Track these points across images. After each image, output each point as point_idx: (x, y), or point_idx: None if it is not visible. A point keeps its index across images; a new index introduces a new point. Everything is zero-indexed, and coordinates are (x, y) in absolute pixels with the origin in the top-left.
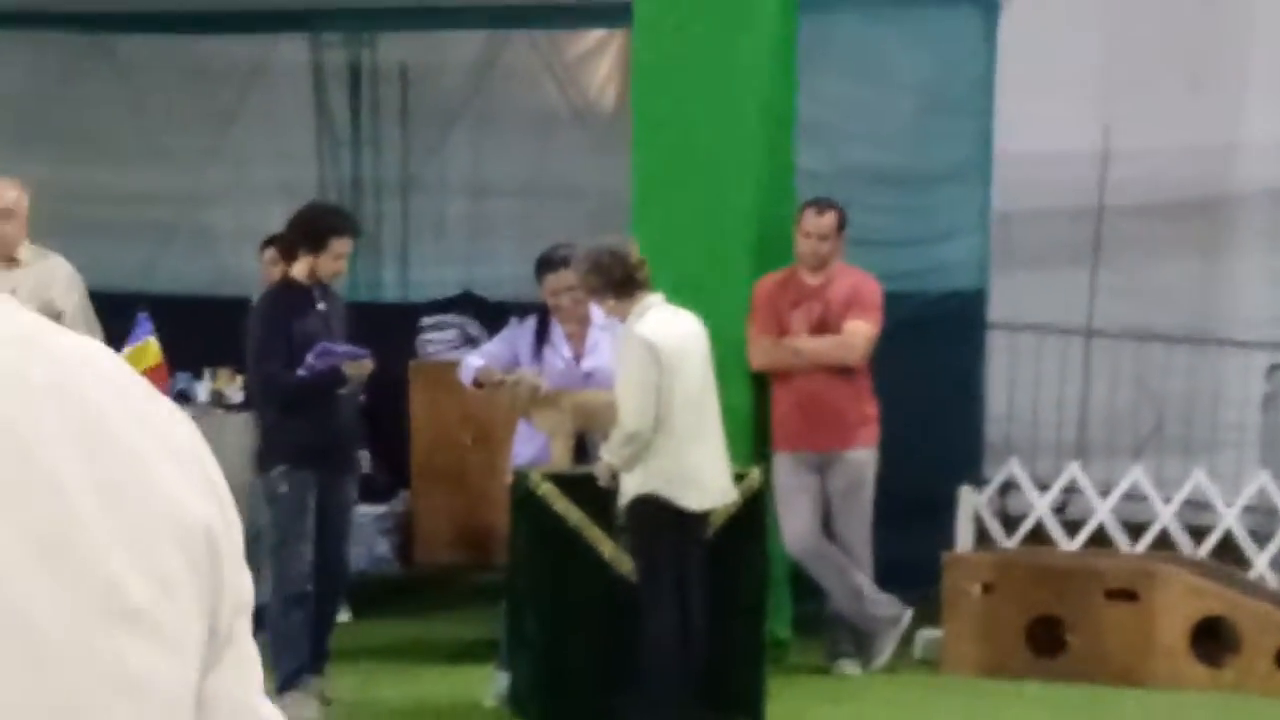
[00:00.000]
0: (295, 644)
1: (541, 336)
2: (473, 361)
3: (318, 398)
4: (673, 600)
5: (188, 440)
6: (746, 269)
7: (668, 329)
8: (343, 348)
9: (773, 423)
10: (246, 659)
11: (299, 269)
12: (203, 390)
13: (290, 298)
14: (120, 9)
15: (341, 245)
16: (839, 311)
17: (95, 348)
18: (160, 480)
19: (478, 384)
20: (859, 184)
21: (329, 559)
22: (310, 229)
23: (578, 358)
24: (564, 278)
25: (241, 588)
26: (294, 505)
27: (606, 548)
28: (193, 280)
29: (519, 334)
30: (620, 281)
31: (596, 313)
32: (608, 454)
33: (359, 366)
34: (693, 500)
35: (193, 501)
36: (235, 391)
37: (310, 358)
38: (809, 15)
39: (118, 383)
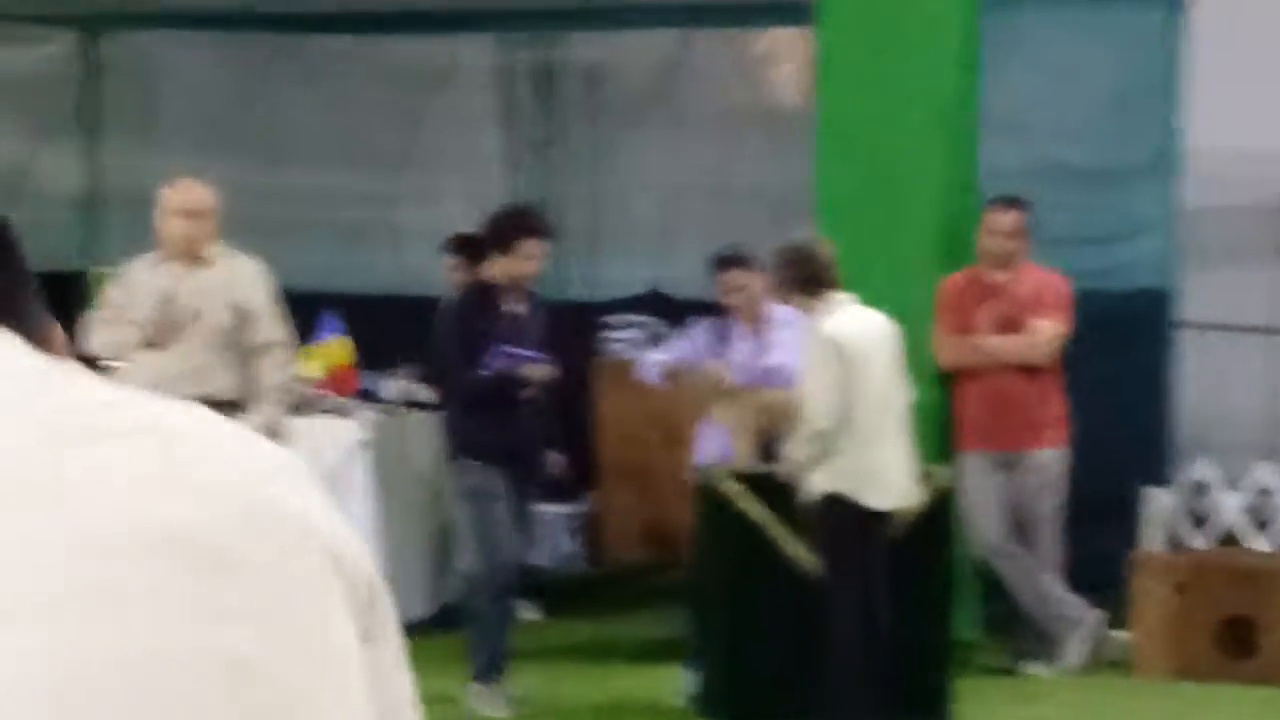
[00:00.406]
0: (495, 636)
1: (723, 334)
2: (655, 357)
3: (496, 399)
4: (858, 599)
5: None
6: (932, 267)
7: (854, 327)
8: (522, 352)
9: (960, 422)
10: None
11: (492, 270)
12: (391, 389)
13: (481, 299)
14: (308, 9)
15: (530, 247)
16: (1025, 310)
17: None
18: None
19: (665, 378)
20: (1045, 181)
21: (505, 555)
22: (499, 231)
23: (759, 354)
24: (735, 277)
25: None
26: (486, 497)
27: (791, 546)
28: (381, 280)
29: (700, 333)
30: (808, 279)
31: (780, 310)
32: (793, 450)
33: (536, 371)
34: (877, 500)
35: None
36: (422, 390)
37: (490, 358)
38: (996, 13)
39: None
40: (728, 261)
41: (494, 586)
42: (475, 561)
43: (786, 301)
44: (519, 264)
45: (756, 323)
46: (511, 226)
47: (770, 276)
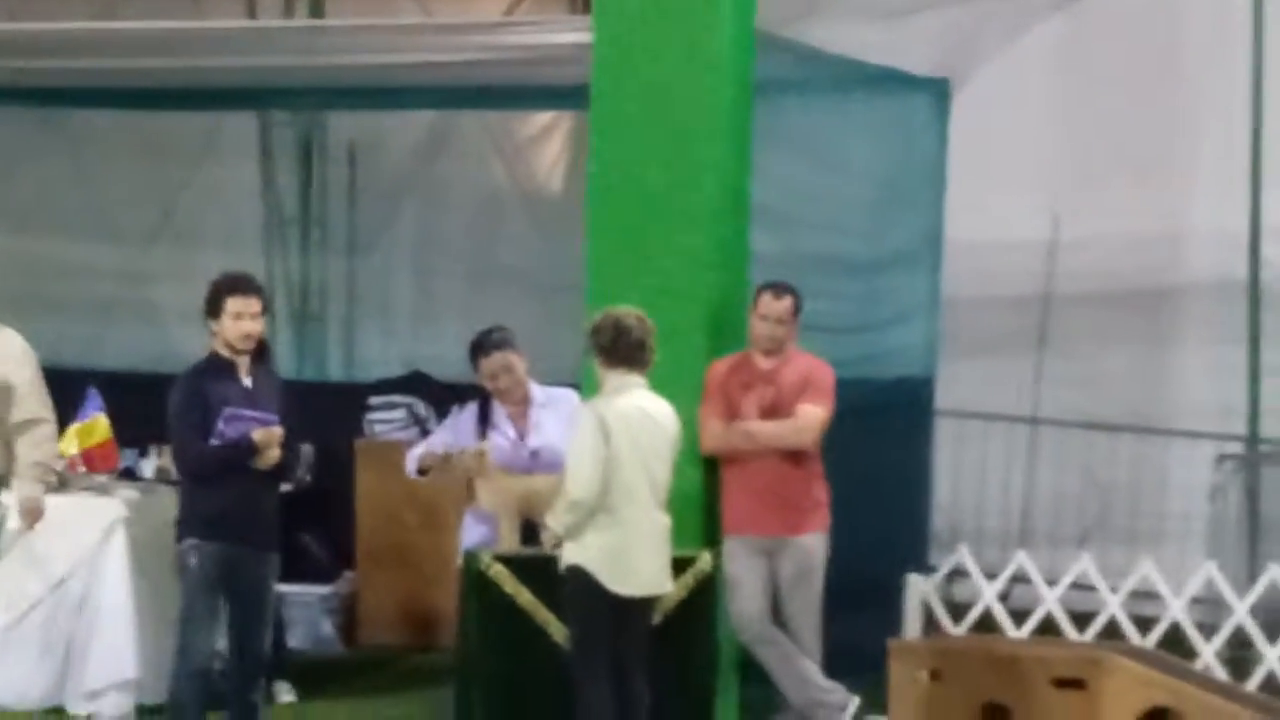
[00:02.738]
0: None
1: (484, 419)
2: (416, 452)
3: (229, 468)
4: (604, 674)
5: None
6: (699, 352)
7: (627, 408)
8: (251, 413)
9: (723, 506)
10: None
11: (216, 342)
12: (148, 467)
13: (209, 370)
14: (72, 84)
15: (236, 304)
16: (791, 396)
17: None
18: None
19: (422, 471)
20: (811, 268)
21: (244, 640)
22: (208, 298)
23: (522, 436)
24: (498, 360)
25: None
26: (199, 581)
27: (557, 629)
28: (138, 356)
29: (462, 420)
30: (612, 350)
31: (537, 391)
32: (552, 520)
33: (268, 434)
34: (620, 585)
35: None
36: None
37: (220, 424)
38: (762, 98)
39: None
40: (490, 344)
41: (185, 670)
42: (178, 641)
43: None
44: (231, 324)
45: (518, 404)
46: (215, 290)
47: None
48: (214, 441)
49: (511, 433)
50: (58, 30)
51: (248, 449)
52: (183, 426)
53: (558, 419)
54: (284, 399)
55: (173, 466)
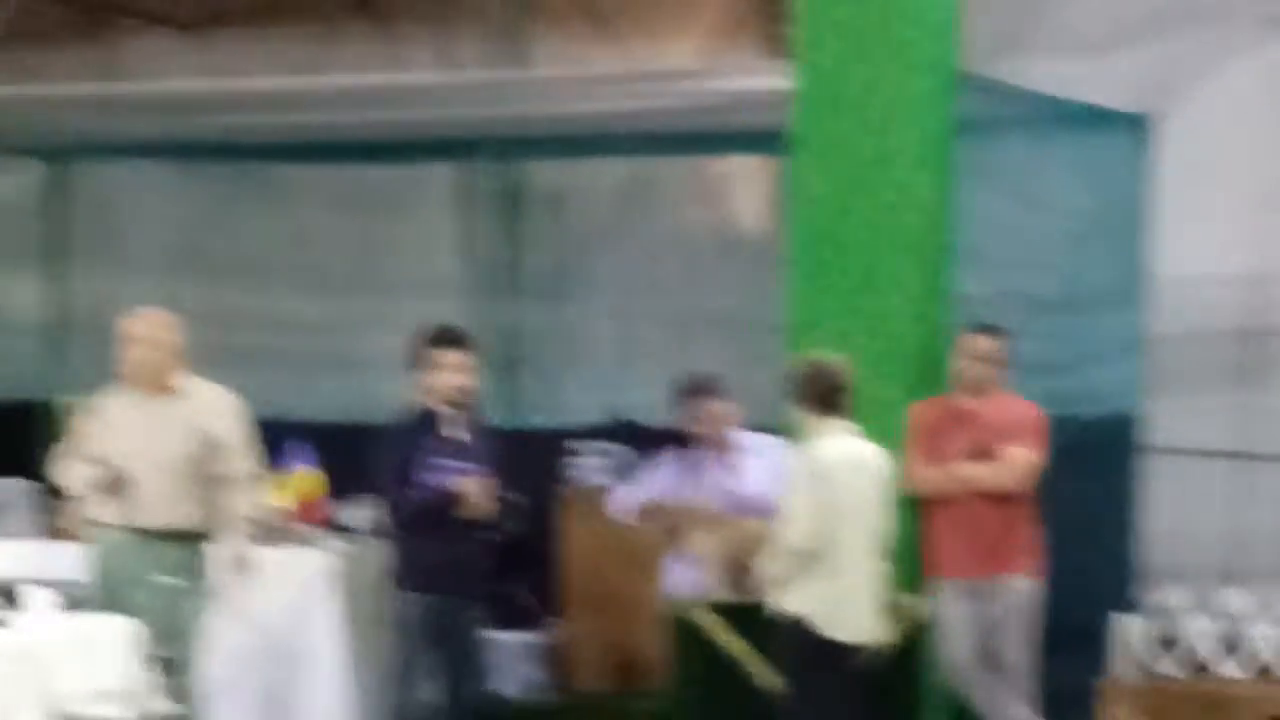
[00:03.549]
0: None
1: (692, 464)
2: (627, 493)
3: (433, 518)
4: None
5: None
6: (904, 394)
7: (843, 453)
8: (452, 463)
9: (932, 549)
10: None
11: (421, 394)
12: (356, 518)
13: (416, 421)
14: (270, 140)
15: (444, 357)
16: (999, 437)
17: None
18: None
19: (641, 516)
20: (1013, 308)
21: (455, 689)
22: (415, 351)
23: (728, 483)
24: (705, 404)
25: None
26: (413, 632)
27: (765, 678)
28: (343, 408)
29: (668, 463)
30: (818, 397)
31: (744, 437)
32: (767, 568)
33: (470, 482)
34: (842, 632)
35: None
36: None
37: (423, 474)
38: (965, 139)
39: None
40: (698, 389)
41: None
42: (394, 695)
43: (799, 414)
44: (439, 376)
45: (725, 451)
46: (422, 343)
47: (791, 386)
48: (419, 494)
49: (717, 479)
50: (256, 87)
51: (451, 498)
52: (389, 476)
53: (765, 466)
54: (495, 450)
55: (384, 518)
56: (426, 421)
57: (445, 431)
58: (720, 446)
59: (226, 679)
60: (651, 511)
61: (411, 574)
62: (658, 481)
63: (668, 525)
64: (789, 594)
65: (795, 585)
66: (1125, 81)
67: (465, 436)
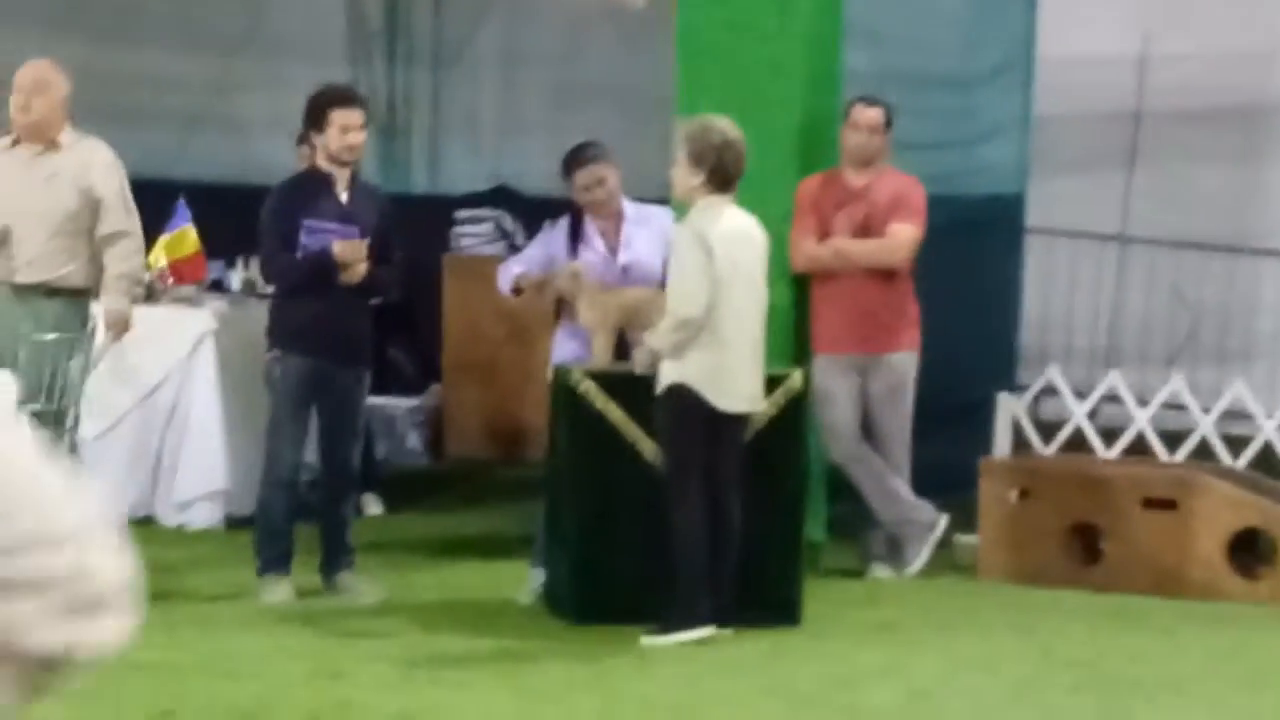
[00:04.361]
0: (275, 532)
1: (576, 235)
2: (511, 269)
3: (311, 280)
4: (699, 492)
5: None
6: (791, 170)
7: (728, 227)
8: (332, 225)
9: (814, 325)
10: None
11: (317, 156)
12: (236, 279)
13: (305, 183)
14: None
15: (343, 117)
16: (883, 214)
17: None
18: None
19: (516, 290)
20: (901, 86)
21: (333, 454)
22: (311, 109)
23: (613, 251)
24: (593, 172)
25: None
26: (285, 392)
27: (646, 446)
28: (224, 168)
29: (553, 236)
30: (721, 171)
31: (629, 207)
32: (655, 339)
33: (349, 246)
34: (725, 402)
35: None
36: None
37: (302, 237)
38: None
39: None
40: (586, 157)
41: (270, 480)
42: (264, 452)
43: (685, 180)
44: (337, 136)
45: (611, 220)
46: (322, 101)
47: (684, 154)
48: (298, 255)
49: (602, 248)
50: None
51: (330, 262)
52: (270, 238)
53: (650, 235)
54: (383, 215)
55: (261, 279)
56: (313, 182)
57: (333, 193)
58: (605, 215)
59: (103, 436)
60: (536, 284)
61: (287, 335)
62: (543, 252)
63: (552, 296)
64: (673, 364)
65: (678, 357)
66: None
67: (351, 199)
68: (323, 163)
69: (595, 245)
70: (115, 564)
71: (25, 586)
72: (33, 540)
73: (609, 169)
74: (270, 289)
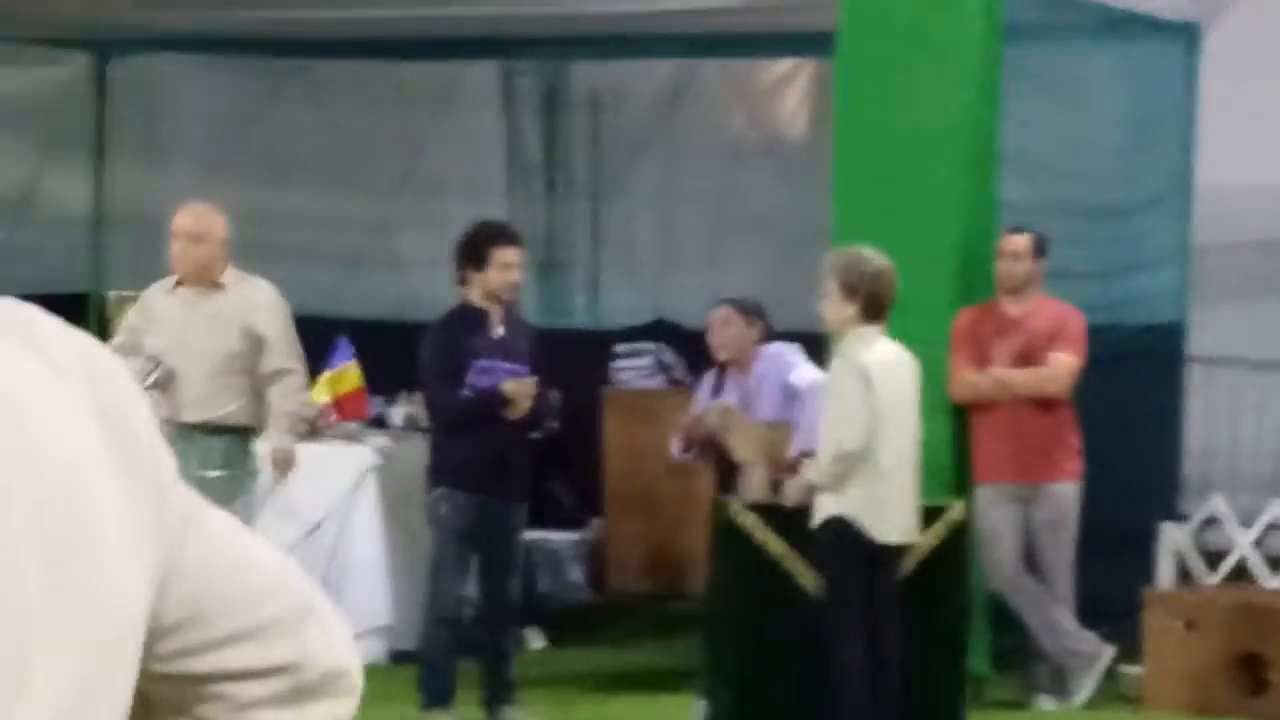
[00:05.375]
0: (439, 667)
1: (719, 388)
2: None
3: (480, 418)
4: (859, 627)
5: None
6: (949, 300)
7: (883, 358)
8: (504, 365)
9: (975, 455)
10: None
11: (473, 291)
12: (398, 414)
13: (463, 320)
14: (314, 34)
15: (504, 255)
16: (1042, 343)
17: None
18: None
19: (686, 448)
20: (1060, 215)
21: (493, 588)
22: (470, 246)
23: (745, 401)
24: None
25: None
26: (451, 528)
27: (807, 579)
28: (384, 305)
29: (700, 394)
30: (871, 302)
31: (760, 362)
32: (813, 472)
33: (521, 384)
34: (883, 533)
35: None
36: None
37: (471, 375)
38: (1012, 44)
39: None
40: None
41: (434, 617)
42: (428, 589)
43: (836, 311)
44: (497, 274)
45: (745, 374)
46: (481, 238)
47: (835, 285)
48: (465, 393)
49: (738, 398)
50: None
51: (499, 400)
52: (436, 376)
53: (776, 371)
54: (536, 348)
55: (423, 415)
56: (473, 319)
57: (488, 329)
58: (742, 369)
59: None
60: (690, 425)
61: (452, 472)
62: (700, 403)
63: (708, 440)
64: (831, 497)
65: (837, 490)
66: None
67: (507, 334)
68: (478, 299)
69: (730, 393)
70: (335, 647)
71: (247, 675)
72: (247, 632)
73: (747, 326)
74: (432, 426)
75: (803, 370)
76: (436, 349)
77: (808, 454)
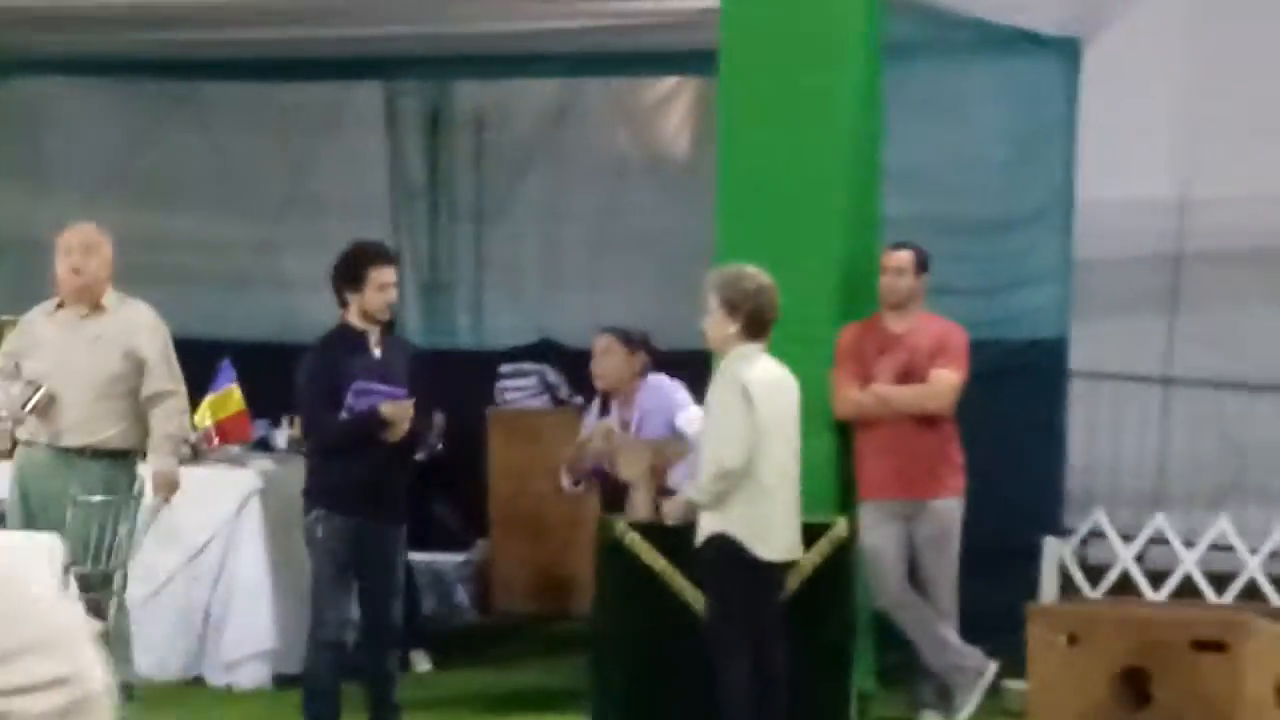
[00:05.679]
0: (323, 692)
1: (604, 410)
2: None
3: (357, 441)
4: (745, 645)
5: None
6: (831, 317)
7: (764, 377)
8: (381, 387)
9: (858, 472)
10: None
11: (351, 313)
12: (281, 437)
13: (341, 342)
14: (197, 56)
15: (381, 275)
16: (924, 359)
17: None
18: None
19: (575, 482)
20: (942, 231)
21: (376, 611)
22: (346, 267)
23: (626, 424)
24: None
25: None
26: (328, 551)
27: (692, 597)
28: (268, 327)
29: (586, 422)
30: (754, 320)
31: (645, 391)
32: (694, 491)
33: (398, 407)
34: (765, 551)
35: None
36: None
37: (349, 398)
38: (892, 61)
39: None
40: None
41: (315, 641)
42: (310, 613)
43: (718, 327)
44: (374, 295)
45: (628, 404)
46: (357, 259)
47: (716, 303)
48: (343, 415)
49: (617, 419)
50: (186, 2)
51: (377, 423)
52: (312, 399)
53: (661, 408)
54: (414, 368)
55: (303, 439)
56: (351, 340)
57: (366, 350)
58: (625, 399)
59: (152, 597)
60: (574, 453)
61: (328, 495)
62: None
63: (590, 459)
64: (714, 515)
65: (721, 505)
66: (1053, 5)
67: (384, 354)
68: (356, 320)
69: (613, 419)
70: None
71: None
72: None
73: (628, 356)
74: (308, 448)
75: (690, 413)
76: (313, 371)
77: None
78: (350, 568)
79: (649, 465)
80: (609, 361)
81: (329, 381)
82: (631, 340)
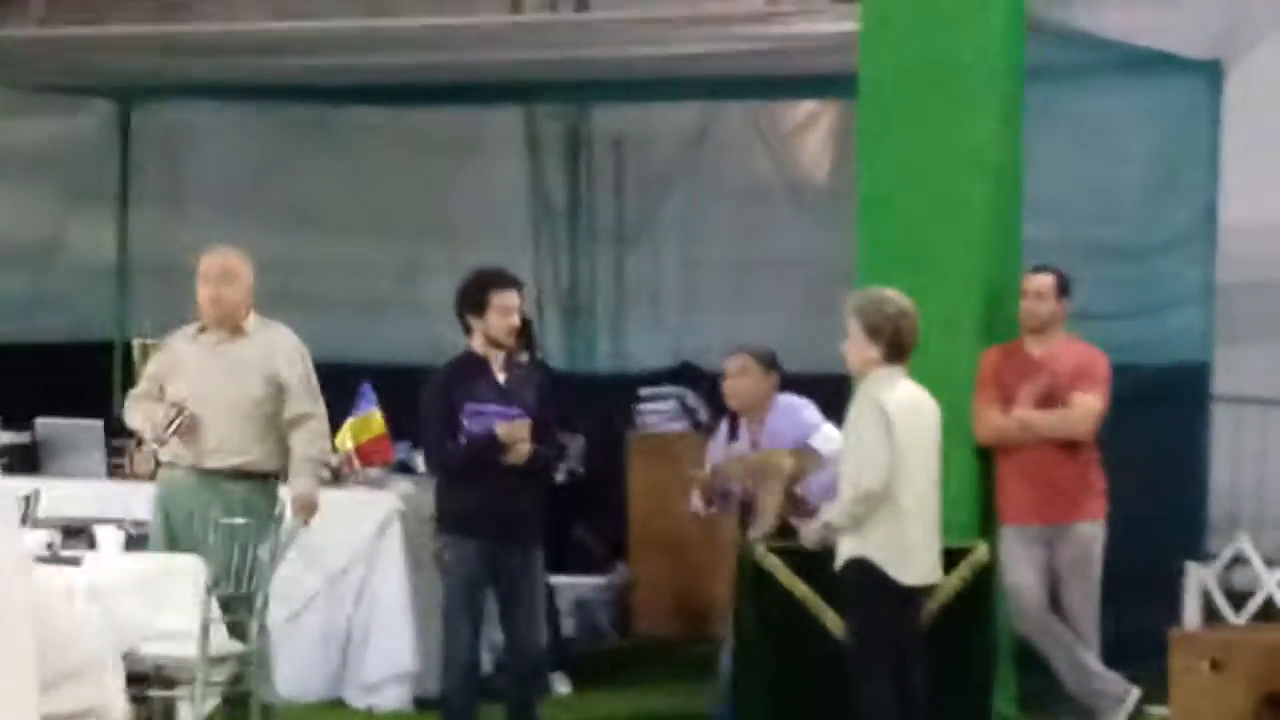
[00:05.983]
0: (460, 713)
1: (733, 434)
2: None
3: (475, 464)
4: (885, 667)
5: None
6: (973, 342)
7: (904, 400)
8: (493, 408)
9: (999, 496)
10: None
11: (475, 339)
12: (421, 460)
13: (463, 368)
14: (337, 81)
15: (502, 299)
16: (1066, 384)
17: None
18: None
19: (708, 502)
20: (1083, 256)
21: (515, 635)
22: (468, 293)
23: (755, 445)
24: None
25: None
26: (458, 575)
27: (832, 621)
28: (409, 351)
29: (713, 447)
30: (894, 343)
31: (775, 412)
32: (833, 513)
33: (513, 428)
34: (905, 575)
35: None
36: None
37: (464, 421)
38: (1032, 84)
39: None
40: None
41: (449, 663)
42: (442, 637)
43: (861, 352)
44: (497, 320)
45: (759, 423)
46: (479, 284)
47: (858, 326)
48: (462, 440)
49: (747, 444)
50: (330, 29)
51: (493, 445)
52: (432, 425)
53: (793, 428)
54: (547, 393)
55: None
56: (470, 366)
57: (489, 374)
58: (757, 419)
59: (293, 620)
60: (703, 483)
61: (454, 519)
62: (714, 452)
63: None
64: (853, 539)
65: (858, 531)
66: (1195, 28)
67: (509, 378)
68: (479, 346)
69: (743, 441)
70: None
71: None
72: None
73: (760, 376)
74: (433, 474)
75: (825, 431)
76: (432, 397)
77: None
78: (483, 591)
79: (786, 474)
80: (745, 382)
81: (444, 406)
82: (765, 360)
